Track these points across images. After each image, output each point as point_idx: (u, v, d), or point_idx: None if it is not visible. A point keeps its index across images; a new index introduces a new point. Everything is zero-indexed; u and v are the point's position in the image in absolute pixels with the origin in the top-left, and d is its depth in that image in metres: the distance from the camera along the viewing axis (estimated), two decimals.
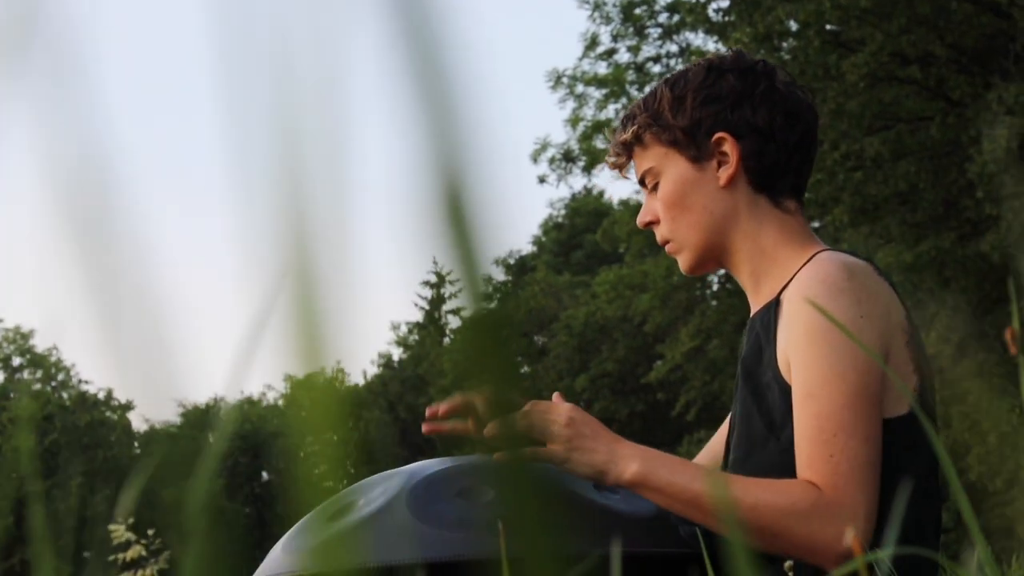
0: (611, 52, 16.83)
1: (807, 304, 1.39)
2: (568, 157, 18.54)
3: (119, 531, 4.90)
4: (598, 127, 17.20)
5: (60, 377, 31.66)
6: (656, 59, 16.66)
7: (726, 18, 14.60)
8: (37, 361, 31.61)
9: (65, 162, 0.32)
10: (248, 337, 0.34)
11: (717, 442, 1.73)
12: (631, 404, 23.69)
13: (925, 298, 13.07)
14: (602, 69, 17.28)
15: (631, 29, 16.50)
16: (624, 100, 16.99)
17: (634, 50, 16.64)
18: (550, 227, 31.82)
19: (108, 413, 30.16)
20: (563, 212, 31.60)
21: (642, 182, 1.62)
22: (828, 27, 13.12)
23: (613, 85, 17.19)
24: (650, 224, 1.62)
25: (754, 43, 12.50)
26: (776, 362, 1.45)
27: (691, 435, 18.61)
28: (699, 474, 1.39)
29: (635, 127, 1.58)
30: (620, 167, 1.64)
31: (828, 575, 1.33)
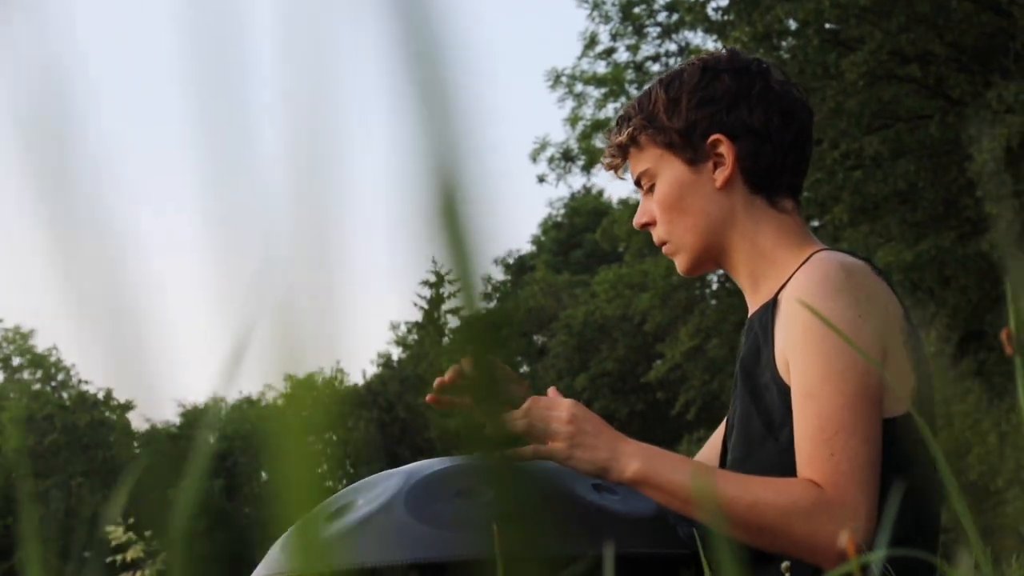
0: (610, 51, 16.82)
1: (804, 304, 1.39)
2: (567, 156, 18.53)
3: (117, 532, 4.91)
4: (597, 126, 17.19)
5: (60, 377, 31.67)
6: (655, 58, 16.66)
7: (725, 17, 14.59)
8: (37, 361, 31.62)
9: (41, 145, 0.32)
10: (238, 338, 0.34)
11: (716, 441, 1.73)
12: (631, 403, 23.69)
13: (925, 297, 13.08)
14: (601, 68, 17.28)
15: (630, 28, 16.49)
16: (623, 99, 16.97)
17: (633, 49, 16.63)
18: (549, 226, 31.83)
19: (107, 413, 30.15)
20: (562, 211, 31.61)
21: (638, 183, 1.62)
22: (827, 26, 13.12)
23: (612, 84, 17.18)
24: (647, 226, 1.62)
25: (753, 42, 12.50)
26: (774, 362, 1.45)
27: (691, 434, 18.61)
28: (701, 472, 1.39)
29: (630, 129, 1.58)
30: (615, 168, 1.64)
31: (826, 575, 1.33)
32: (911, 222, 13.43)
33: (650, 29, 16.58)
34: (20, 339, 31.88)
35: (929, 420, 1.47)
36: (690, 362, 18.46)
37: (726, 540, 1.35)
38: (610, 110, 17.31)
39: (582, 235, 29.70)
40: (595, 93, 17.55)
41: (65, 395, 30.74)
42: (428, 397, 1.47)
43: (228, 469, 27.32)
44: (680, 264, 1.60)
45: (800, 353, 1.40)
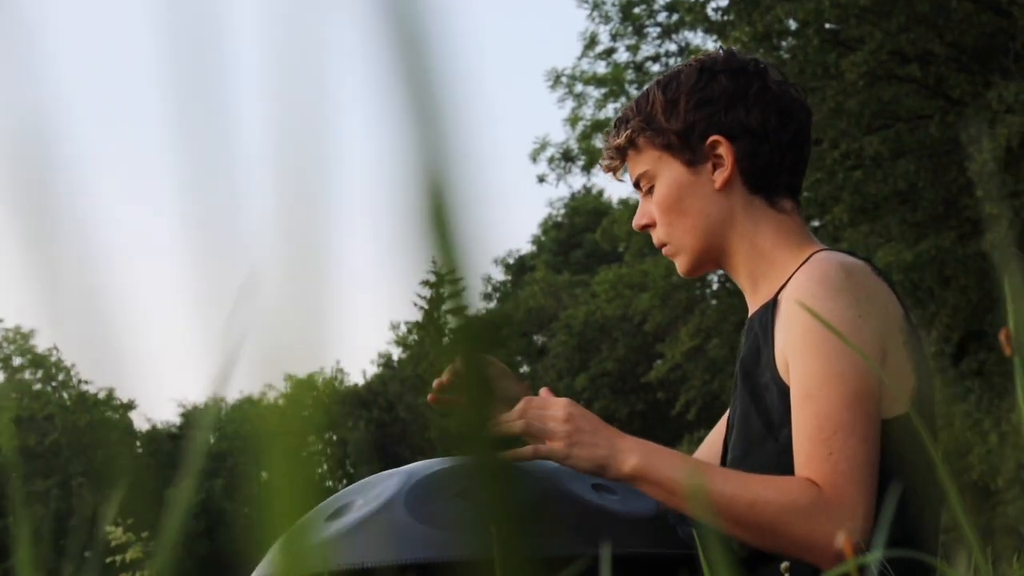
0: (610, 51, 16.81)
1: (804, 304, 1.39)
2: (567, 156, 18.53)
3: (117, 532, 4.90)
4: (597, 126, 17.18)
5: (60, 377, 31.67)
6: (655, 58, 16.65)
7: (725, 17, 14.59)
8: (38, 361, 31.61)
9: (12, 142, 0.32)
10: (230, 341, 0.34)
11: (713, 439, 1.73)
12: (631, 403, 23.69)
13: (925, 297, 13.07)
14: (601, 68, 17.27)
15: (630, 28, 16.48)
16: (623, 99, 16.97)
17: (633, 49, 16.63)
18: (549, 226, 31.82)
19: (108, 413, 30.15)
20: (562, 211, 31.60)
21: (637, 185, 1.62)
22: (827, 26, 13.11)
23: (612, 84, 17.17)
24: (646, 227, 1.62)
25: (753, 42, 12.50)
26: (774, 363, 1.45)
27: (691, 434, 18.60)
28: (698, 469, 1.39)
29: (628, 131, 1.58)
30: (614, 171, 1.64)
31: (824, 575, 1.33)
32: (911, 222, 13.42)
33: (650, 29, 16.57)
34: (21, 339, 31.87)
35: (929, 420, 1.47)
36: (690, 362, 18.46)
37: (721, 538, 1.35)
38: (610, 110, 17.31)
39: (582, 235, 29.69)
40: (595, 93, 17.54)
41: (66, 395, 30.74)
42: (429, 397, 1.48)
43: (229, 469, 27.32)
44: (680, 265, 1.60)
45: (800, 354, 1.40)
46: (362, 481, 1.48)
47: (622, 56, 16.90)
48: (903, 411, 1.41)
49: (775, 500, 1.33)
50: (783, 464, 1.39)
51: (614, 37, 16.68)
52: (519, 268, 31.16)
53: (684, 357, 18.11)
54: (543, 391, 1.49)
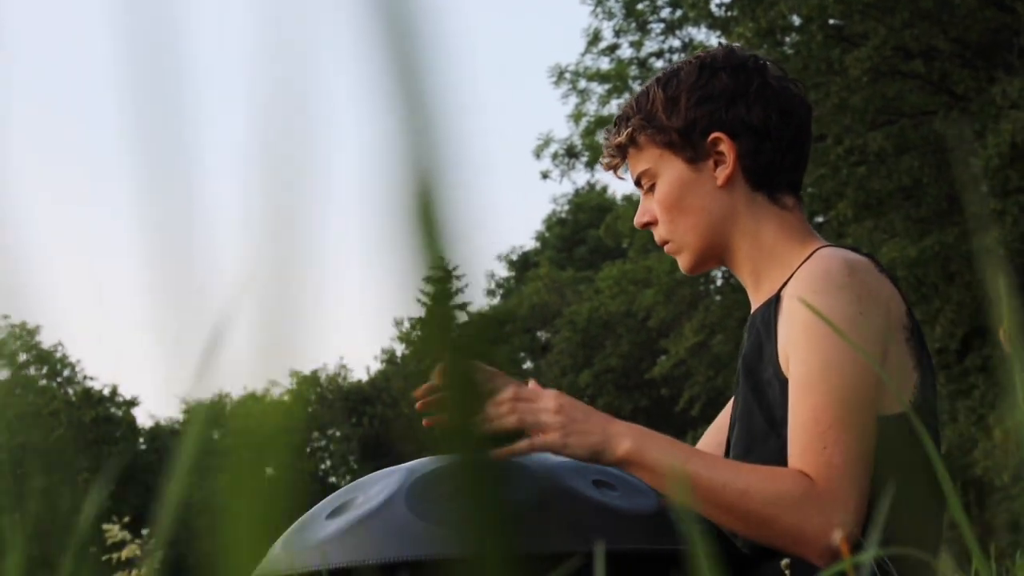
0: (613, 47, 16.81)
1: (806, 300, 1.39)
2: (571, 153, 18.53)
3: (114, 530, 4.91)
4: (601, 123, 17.17)
5: (66, 373, 31.72)
6: (659, 54, 16.63)
7: (728, 13, 14.58)
8: (43, 357, 31.65)
9: None
10: (216, 336, 0.33)
11: (716, 430, 1.73)
12: (635, 400, 23.70)
13: (929, 293, 13.06)
14: (605, 64, 17.26)
15: (633, 24, 16.47)
16: (627, 95, 16.93)
17: (636, 45, 16.61)
18: (553, 223, 31.83)
19: (113, 409, 30.21)
20: (566, 208, 31.60)
21: (638, 183, 1.61)
22: (831, 21, 13.09)
23: (616, 80, 17.16)
24: (648, 225, 1.61)
25: (757, 38, 12.48)
26: (777, 359, 1.45)
27: (695, 430, 18.60)
28: (692, 455, 1.39)
29: (629, 129, 1.57)
30: (615, 168, 1.64)
31: (823, 574, 1.33)
32: (915, 218, 13.41)
33: (654, 25, 16.56)
34: (26, 335, 31.92)
35: (931, 418, 1.46)
36: (694, 358, 18.46)
37: (720, 532, 1.34)
38: (613, 106, 17.30)
39: (586, 231, 29.70)
40: (599, 89, 17.54)
41: (71, 391, 30.79)
42: (417, 405, 1.47)
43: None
44: (683, 263, 1.59)
45: (800, 348, 1.40)
46: (363, 478, 1.48)
47: (626, 52, 16.89)
48: (902, 409, 1.41)
49: (766, 490, 1.33)
50: (785, 460, 1.39)
51: (617, 33, 16.68)
52: (523, 264, 31.17)
53: (688, 353, 18.12)
54: (531, 383, 1.49)
